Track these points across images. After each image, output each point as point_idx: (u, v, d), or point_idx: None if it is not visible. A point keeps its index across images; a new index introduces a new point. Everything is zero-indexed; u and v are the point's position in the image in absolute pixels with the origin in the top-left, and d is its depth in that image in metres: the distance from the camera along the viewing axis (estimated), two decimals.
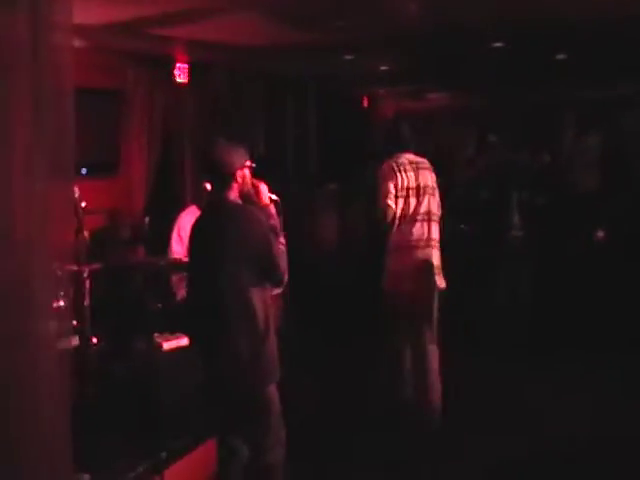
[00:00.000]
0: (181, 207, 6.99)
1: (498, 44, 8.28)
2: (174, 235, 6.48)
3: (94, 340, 5.36)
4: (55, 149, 2.86)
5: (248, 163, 4.19)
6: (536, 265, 8.66)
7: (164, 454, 4.83)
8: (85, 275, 5.72)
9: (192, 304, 4.47)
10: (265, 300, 4.15)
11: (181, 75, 8.46)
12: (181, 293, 6.45)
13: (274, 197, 4.35)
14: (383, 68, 10.16)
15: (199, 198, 6.24)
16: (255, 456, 4.30)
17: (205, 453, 5.22)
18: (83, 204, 5.74)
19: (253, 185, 4.23)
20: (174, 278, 6.49)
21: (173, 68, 8.41)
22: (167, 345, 5.27)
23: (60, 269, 4.68)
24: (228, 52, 8.14)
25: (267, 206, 4.24)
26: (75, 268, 5.61)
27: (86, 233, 5.65)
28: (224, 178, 4.10)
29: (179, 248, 6.44)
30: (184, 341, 5.36)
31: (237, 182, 4.11)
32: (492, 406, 6.39)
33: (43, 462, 2.94)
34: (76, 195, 5.22)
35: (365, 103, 12.98)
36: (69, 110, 2.91)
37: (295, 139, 10.67)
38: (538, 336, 7.88)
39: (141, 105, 8.15)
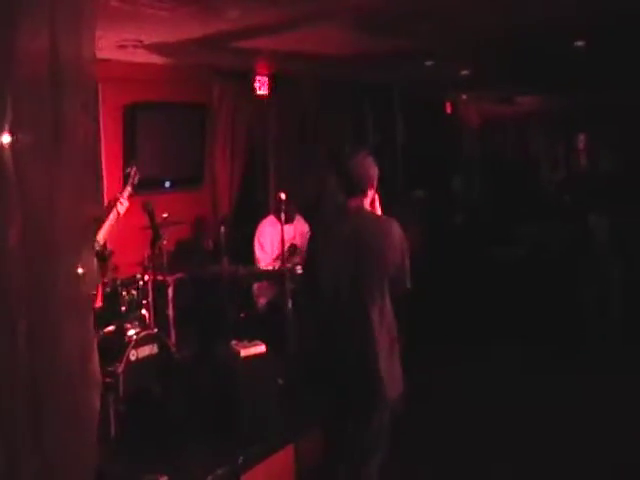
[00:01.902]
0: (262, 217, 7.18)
1: (579, 43, 8.14)
2: (256, 244, 6.68)
3: (175, 347, 5.57)
4: (80, 169, 2.93)
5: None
6: (625, 270, 8.49)
7: (241, 459, 4.92)
8: (168, 284, 5.94)
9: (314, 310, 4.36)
10: (391, 310, 4.11)
11: (261, 87, 8.58)
12: (261, 301, 6.62)
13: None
14: (464, 72, 10.10)
15: (277, 209, 6.37)
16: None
17: (282, 459, 5.32)
18: (164, 215, 5.97)
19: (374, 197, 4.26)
20: (255, 287, 6.66)
21: (253, 81, 8.55)
22: (244, 352, 5.38)
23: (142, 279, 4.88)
24: (310, 62, 8.24)
25: (389, 217, 4.21)
26: (158, 277, 5.84)
27: (165, 242, 5.87)
28: (362, 188, 4.14)
29: (262, 255, 6.63)
30: (261, 348, 5.47)
31: (372, 191, 4.16)
32: None
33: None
34: (150, 208, 5.43)
35: (448, 109, 12.89)
36: (91, 128, 2.98)
37: (381, 146, 10.69)
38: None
39: (225, 118, 8.33)
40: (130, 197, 4.97)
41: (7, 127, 2.66)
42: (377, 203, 4.26)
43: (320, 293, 4.16)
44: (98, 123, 6.26)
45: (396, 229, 4.07)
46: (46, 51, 2.77)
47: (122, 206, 4.89)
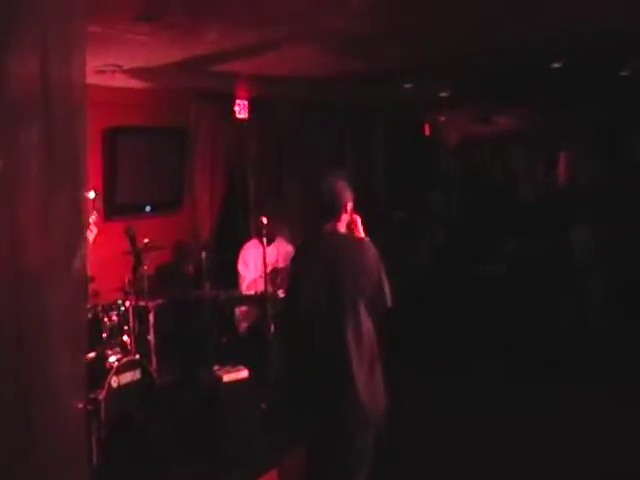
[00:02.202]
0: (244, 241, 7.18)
1: (556, 64, 8.23)
2: (240, 263, 6.68)
3: (157, 373, 5.53)
4: (68, 193, 2.93)
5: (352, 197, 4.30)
6: (610, 281, 8.54)
7: None
8: (149, 309, 5.91)
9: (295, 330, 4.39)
10: (372, 330, 4.15)
11: (241, 111, 8.60)
12: (243, 325, 6.60)
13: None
14: (443, 94, 10.16)
15: (259, 232, 6.37)
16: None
17: None
18: (145, 240, 5.94)
19: (352, 217, 4.31)
20: (237, 311, 6.64)
21: (233, 104, 8.56)
22: (227, 377, 5.36)
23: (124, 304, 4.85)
24: (289, 85, 8.26)
25: (363, 238, 4.27)
26: (139, 303, 5.80)
27: (146, 267, 5.84)
28: (336, 211, 4.21)
29: (246, 273, 6.63)
30: (244, 373, 5.45)
31: (346, 214, 4.22)
32: None
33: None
34: (132, 233, 5.41)
35: (427, 130, 12.96)
36: (83, 168, 2.98)
37: (360, 168, 10.71)
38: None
39: (204, 141, 8.31)
40: (107, 222, 4.97)
41: None
42: (359, 224, 4.31)
43: (300, 314, 4.23)
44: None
45: (370, 250, 4.14)
46: (36, 76, 2.77)
47: (92, 233, 4.92)
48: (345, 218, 4.23)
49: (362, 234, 4.29)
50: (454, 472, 5.51)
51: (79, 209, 2.98)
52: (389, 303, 4.13)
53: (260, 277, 6.56)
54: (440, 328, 8.41)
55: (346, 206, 4.21)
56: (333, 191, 4.24)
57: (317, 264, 4.20)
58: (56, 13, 2.81)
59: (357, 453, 4.13)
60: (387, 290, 4.12)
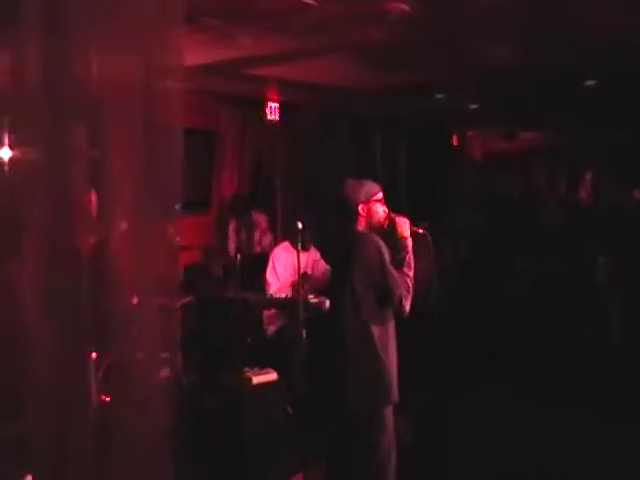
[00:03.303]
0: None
1: (590, 82, 8.22)
2: (269, 269, 6.63)
3: (185, 372, 5.48)
4: (164, 186, 2.97)
5: (376, 197, 4.36)
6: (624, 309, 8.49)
7: None
8: (177, 308, 5.87)
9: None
10: (385, 326, 4.29)
11: (272, 114, 8.61)
12: (270, 329, 6.56)
13: (420, 230, 4.44)
14: (473, 107, 10.16)
15: (291, 235, 6.38)
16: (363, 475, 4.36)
17: None
18: (177, 239, 5.91)
19: (389, 217, 4.38)
20: (266, 314, 6.60)
21: (265, 107, 8.56)
22: (256, 379, 5.33)
23: (163, 303, 4.85)
24: (319, 92, 8.26)
25: (405, 239, 4.32)
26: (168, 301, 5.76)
27: (180, 267, 5.81)
28: (348, 212, 4.32)
29: (274, 280, 6.58)
30: (273, 376, 5.42)
31: (361, 215, 4.30)
32: None
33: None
34: (171, 230, 5.36)
35: (455, 142, 12.94)
36: (178, 151, 3.02)
37: (384, 178, 10.67)
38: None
39: (233, 144, 8.34)
40: None
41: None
42: (400, 227, 4.34)
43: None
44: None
45: (371, 246, 4.20)
46: (138, 81, 2.83)
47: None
48: (362, 219, 4.32)
49: (406, 235, 4.34)
50: None
51: (175, 193, 3.03)
52: (399, 303, 4.21)
53: (288, 283, 6.55)
54: (458, 344, 8.35)
55: (358, 208, 4.30)
56: (344, 194, 4.36)
57: (333, 264, 4.63)
58: (156, 17, 2.86)
59: (381, 460, 4.27)
60: (400, 291, 4.20)
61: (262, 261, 6.84)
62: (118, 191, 2.98)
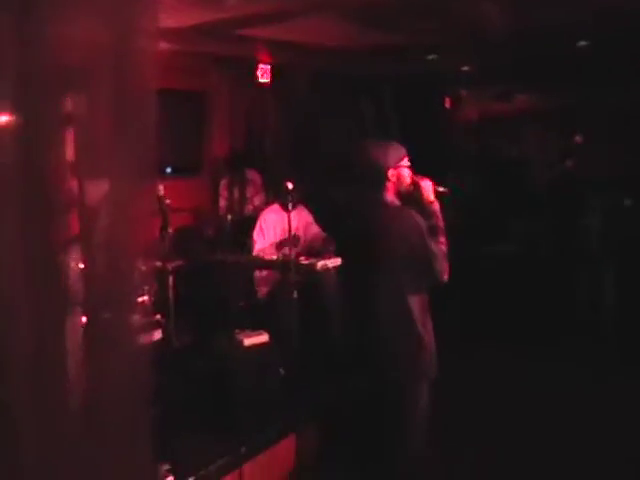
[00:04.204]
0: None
1: (583, 43, 8.14)
2: (256, 230, 6.61)
3: (177, 335, 5.47)
4: (138, 150, 2.94)
5: (404, 162, 4.09)
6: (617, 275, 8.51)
7: (243, 449, 4.86)
8: (169, 271, 5.85)
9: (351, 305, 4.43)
10: (423, 301, 4.09)
11: (264, 75, 8.53)
12: (262, 291, 6.55)
13: (441, 189, 4.20)
14: (464, 69, 10.08)
15: (281, 196, 6.37)
16: (393, 450, 4.25)
17: (284, 448, 5.27)
18: (167, 202, 5.88)
19: (414, 182, 4.12)
20: (257, 276, 6.59)
21: (255, 69, 8.48)
22: (248, 341, 5.31)
23: (144, 265, 4.82)
24: (308, 53, 8.18)
25: (431, 203, 4.10)
26: (159, 264, 5.74)
27: (170, 230, 5.78)
28: (376, 179, 4.04)
29: (260, 241, 6.56)
30: (265, 337, 5.40)
31: (391, 182, 4.04)
32: None
33: (124, 450, 3.02)
34: (161, 193, 5.33)
35: (447, 104, 12.85)
36: (152, 112, 2.97)
37: (376, 140, 10.58)
38: None
39: (224, 106, 8.30)
40: None
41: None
42: (426, 191, 4.11)
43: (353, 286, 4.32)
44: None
45: (410, 220, 3.97)
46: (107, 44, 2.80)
47: None
48: (391, 186, 4.05)
49: (431, 199, 4.10)
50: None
51: (150, 154, 3.01)
52: (440, 276, 4.02)
53: (274, 243, 6.55)
54: (451, 308, 8.34)
55: (387, 174, 4.02)
56: (369, 158, 4.06)
57: (357, 237, 4.18)
58: None
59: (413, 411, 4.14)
60: (440, 263, 3.99)
61: (253, 223, 6.81)
62: (95, 155, 2.94)
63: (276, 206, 6.73)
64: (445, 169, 11.58)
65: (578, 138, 10.03)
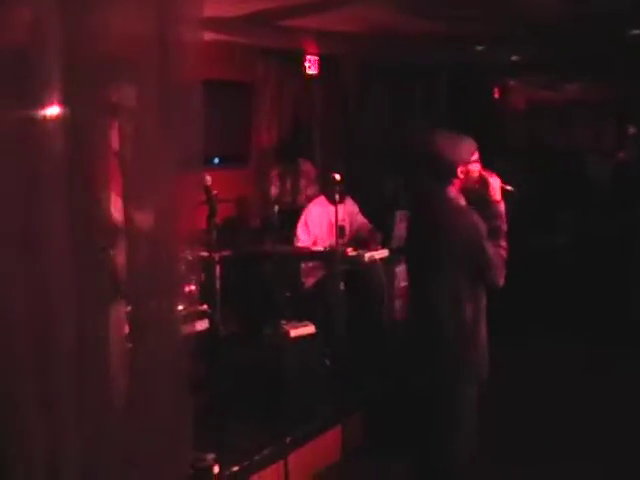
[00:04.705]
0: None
1: (635, 31, 7.98)
2: (301, 224, 6.59)
3: (223, 324, 5.48)
4: (183, 140, 2.94)
5: (474, 157, 3.83)
6: None
7: (289, 439, 4.87)
8: (216, 261, 5.86)
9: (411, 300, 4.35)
10: (478, 303, 3.92)
11: (311, 67, 8.50)
12: (309, 281, 6.54)
13: (509, 188, 3.92)
14: (514, 58, 9.97)
15: (328, 188, 6.36)
16: (440, 454, 4.13)
17: (330, 440, 5.28)
18: (215, 192, 5.88)
19: (482, 178, 3.85)
20: (303, 267, 6.58)
21: (303, 60, 8.46)
22: (294, 332, 5.32)
23: (191, 254, 4.85)
24: (357, 43, 8.14)
25: (497, 203, 3.84)
26: (206, 254, 5.76)
27: (217, 220, 5.79)
28: (443, 174, 3.80)
29: (305, 237, 6.54)
30: (311, 329, 5.40)
31: (459, 178, 3.79)
32: None
33: (164, 439, 3.03)
34: (208, 183, 5.33)
35: (497, 94, 12.71)
36: (197, 102, 2.98)
37: (424, 130, 10.57)
38: None
39: (271, 97, 8.28)
40: None
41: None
42: (493, 189, 3.84)
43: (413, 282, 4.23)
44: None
45: (468, 221, 3.76)
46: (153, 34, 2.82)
47: None
48: (458, 182, 3.80)
49: (498, 198, 3.85)
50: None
51: (196, 145, 3.03)
52: (495, 282, 3.86)
53: (324, 236, 6.54)
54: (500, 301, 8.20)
55: (456, 170, 3.78)
56: (439, 152, 3.82)
57: (418, 232, 4.08)
58: None
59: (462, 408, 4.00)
60: (496, 266, 3.82)
61: (299, 213, 6.81)
62: (141, 145, 2.96)
63: (322, 198, 6.71)
64: (493, 159, 11.51)
65: (631, 129, 9.81)
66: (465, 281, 3.84)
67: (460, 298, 3.85)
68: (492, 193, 3.83)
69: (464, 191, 3.87)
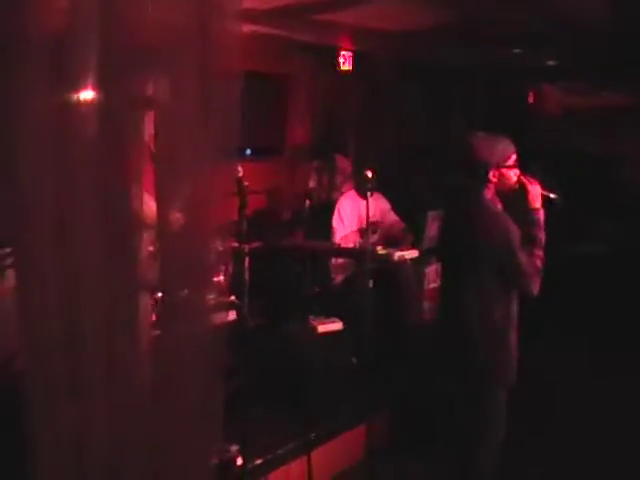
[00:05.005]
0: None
1: None
2: (335, 217, 6.59)
3: (251, 316, 5.45)
4: (221, 130, 2.93)
5: (510, 161, 3.81)
6: None
7: (313, 435, 4.84)
8: (245, 252, 5.84)
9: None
10: (509, 308, 3.89)
11: (346, 62, 8.46)
12: (338, 278, 6.51)
13: (552, 196, 3.91)
14: (550, 63, 9.89)
15: (361, 184, 6.34)
16: (467, 458, 4.14)
17: (354, 437, 5.24)
18: (246, 183, 5.86)
19: (521, 184, 3.84)
20: (333, 263, 6.56)
21: (337, 55, 8.43)
22: (321, 328, 5.30)
23: (221, 245, 4.83)
24: (392, 41, 8.09)
25: (536, 211, 3.82)
26: (236, 245, 5.74)
27: (248, 212, 5.77)
28: (476, 176, 3.79)
29: (340, 228, 6.54)
30: (338, 325, 5.38)
31: (492, 182, 3.78)
32: None
33: (193, 424, 3.02)
34: (240, 174, 5.31)
35: (532, 98, 12.62)
36: (235, 93, 2.97)
37: (458, 131, 10.54)
38: None
39: (305, 91, 8.27)
40: None
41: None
42: (532, 195, 3.81)
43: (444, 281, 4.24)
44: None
45: (500, 228, 3.74)
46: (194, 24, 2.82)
47: None
48: (492, 186, 3.79)
49: (537, 206, 3.81)
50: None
51: (232, 136, 3.03)
52: (528, 291, 3.82)
53: (355, 231, 6.53)
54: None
55: (488, 172, 3.75)
56: (472, 153, 3.79)
57: (449, 234, 4.12)
58: None
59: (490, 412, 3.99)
60: (529, 274, 3.78)
61: (330, 209, 6.78)
62: (177, 135, 2.96)
63: (352, 193, 6.72)
64: (528, 163, 11.41)
65: None
66: (496, 285, 3.81)
67: (490, 302, 3.82)
68: (531, 200, 3.79)
69: (501, 196, 3.86)
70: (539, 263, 3.79)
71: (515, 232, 3.73)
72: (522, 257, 3.73)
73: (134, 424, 2.91)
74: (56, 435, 2.72)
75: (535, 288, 3.80)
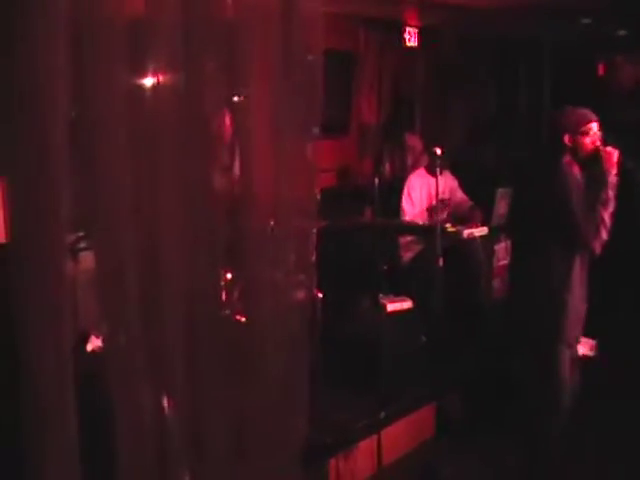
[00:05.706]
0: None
1: None
2: (405, 196, 6.56)
3: (320, 295, 5.46)
4: (303, 108, 2.94)
5: (585, 128, 4.06)
6: None
7: (383, 414, 4.84)
8: (314, 231, 5.83)
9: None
10: (570, 266, 4.09)
11: (411, 39, 8.39)
12: (407, 256, 6.48)
13: (630, 165, 4.13)
14: (621, 33, 9.67)
15: (429, 162, 6.31)
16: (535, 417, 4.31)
17: (423, 417, 5.24)
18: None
19: (597, 150, 4.05)
20: (402, 240, 6.53)
21: (403, 32, 8.35)
22: (391, 307, 5.29)
23: (296, 223, 4.86)
24: (458, 16, 7.98)
25: (608, 174, 4.02)
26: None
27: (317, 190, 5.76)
28: (552, 143, 4.15)
29: (410, 208, 6.51)
30: (408, 304, 5.36)
31: (567, 146, 4.06)
32: None
33: (279, 400, 3.05)
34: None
35: (601, 70, 12.37)
36: (319, 70, 3.00)
37: (526, 105, 10.41)
38: None
39: (372, 67, 8.23)
40: None
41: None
42: (609, 161, 4.03)
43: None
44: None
45: (559, 181, 4.01)
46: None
47: None
48: (569, 151, 4.06)
49: (612, 172, 4.01)
50: None
51: (315, 114, 3.05)
52: (587, 244, 4.03)
53: (425, 209, 6.49)
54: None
55: (563, 137, 4.04)
56: (551, 121, 4.30)
57: (524, 198, 4.36)
58: None
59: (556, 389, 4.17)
60: (587, 228, 3.98)
61: (400, 186, 6.74)
62: (256, 114, 2.97)
63: (422, 170, 6.68)
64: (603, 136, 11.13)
65: None
66: (558, 253, 4.06)
67: (549, 266, 4.07)
68: (607, 166, 4.00)
69: (580, 162, 4.08)
70: (607, 220, 3.98)
71: (574, 183, 3.99)
72: (579, 212, 3.95)
73: (215, 395, 2.95)
74: (137, 406, 2.75)
75: (596, 245, 4.01)
